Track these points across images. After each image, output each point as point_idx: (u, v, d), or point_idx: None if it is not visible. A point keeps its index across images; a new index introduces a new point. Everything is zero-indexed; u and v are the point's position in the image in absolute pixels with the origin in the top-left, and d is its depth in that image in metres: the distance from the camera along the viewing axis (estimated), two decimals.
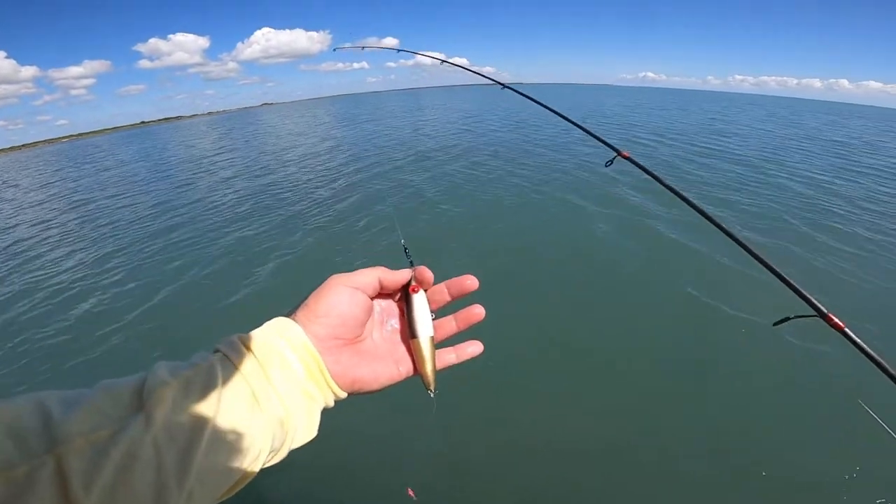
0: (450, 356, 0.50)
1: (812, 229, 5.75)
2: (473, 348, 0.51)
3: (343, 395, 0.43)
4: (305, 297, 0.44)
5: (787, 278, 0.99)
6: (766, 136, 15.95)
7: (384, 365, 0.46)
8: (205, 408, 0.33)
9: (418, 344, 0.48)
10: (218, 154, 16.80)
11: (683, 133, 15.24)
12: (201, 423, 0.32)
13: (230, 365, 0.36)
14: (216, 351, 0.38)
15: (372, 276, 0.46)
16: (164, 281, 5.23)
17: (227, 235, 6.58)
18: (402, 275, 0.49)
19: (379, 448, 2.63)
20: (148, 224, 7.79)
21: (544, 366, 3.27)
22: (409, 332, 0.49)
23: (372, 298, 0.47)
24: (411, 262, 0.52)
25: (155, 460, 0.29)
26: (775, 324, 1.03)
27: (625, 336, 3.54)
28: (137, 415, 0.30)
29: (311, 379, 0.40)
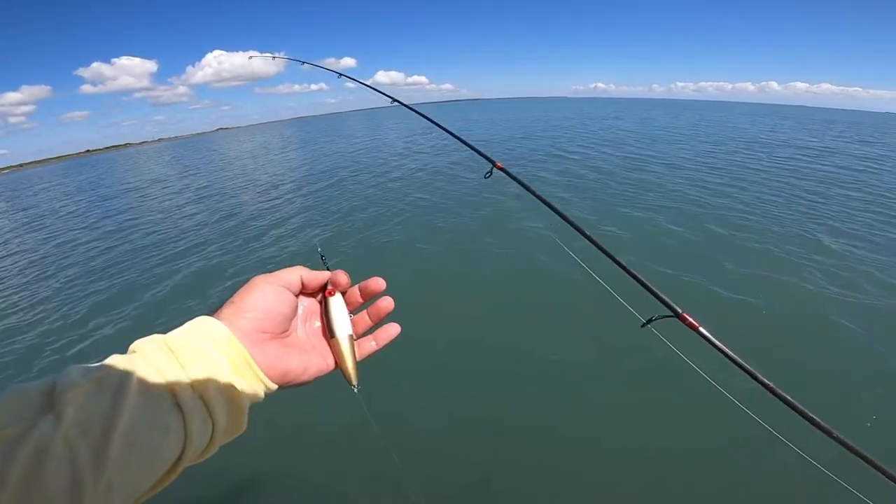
0: (370, 344, 0.53)
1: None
2: (391, 330, 0.54)
3: (273, 387, 0.44)
4: (230, 297, 0.45)
5: (646, 282, 1.01)
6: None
7: (312, 357, 0.48)
8: (118, 404, 0.32)
9: (337, 343, 0.50)
10: (159, 185, 16.11)
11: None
12: (114, 418, 0.31)
13: (145, 364, 0.36)
14: (132, 351, 0.38)
15: (294, 275, 0.49)
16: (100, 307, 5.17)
17: (166, 264, 6.35)
18: (321, 275, 0.52)
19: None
20: (87, 258, 7.40)
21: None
22: (328, 332, 0.51)
23: (296, 295, 0.50)
24: (327, 267, 0.54)
25: (67, 454, 0.29)
26: (643, 325, 1.06)
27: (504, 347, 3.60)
28: (47, 413, 0.30)
29: (238, 373, 0.40)
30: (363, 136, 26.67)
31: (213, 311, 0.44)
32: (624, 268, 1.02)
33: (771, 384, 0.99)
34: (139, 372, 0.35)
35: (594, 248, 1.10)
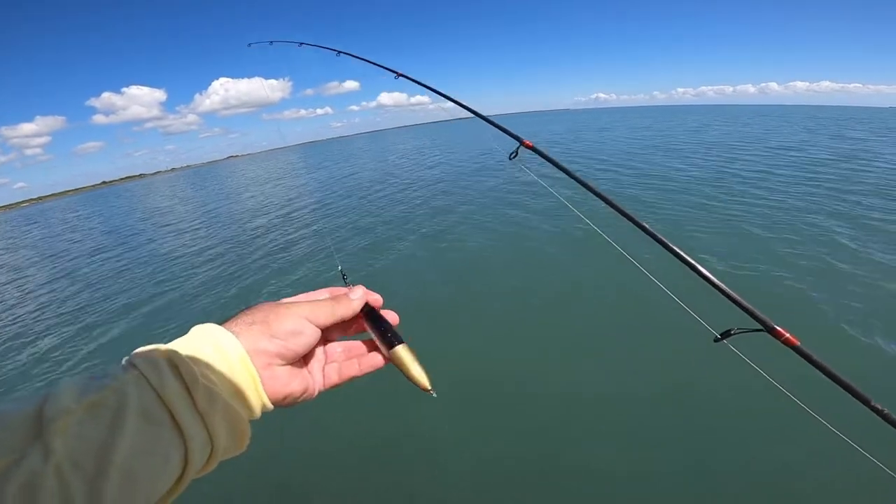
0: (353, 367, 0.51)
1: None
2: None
3: (271, 407, 0.43)
4: (260, 308, 0.43)
5: (726, 288, 0.78)
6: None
7: (309, 381, 0.46)
8: (115, 434, 0.29)
9: (398, 357, 0.48)
10: (170, 217, 16.34)
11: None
12: (111, 450, 0.29)
13: (146, 387, 0.33)
14: (132, 365, 0.34)
15: (332, 318, 0.47)
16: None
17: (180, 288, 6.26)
18: (348, 310, 0.49)
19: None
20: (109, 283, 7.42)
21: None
22: (382, 347, 0.49)
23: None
24: (346, 283, 0.55)
25: (60, 491, 0.26)
26: (716, 339, 0.83)
27: (557, 367, 3.30)
28: (34, 443, 0.27)
29: (244, 397, 0.39)
30: (380, 157, 26.95)
31: (228, 320, 0.42)
32: (693, 267, 0.79)
33: (887, 411, 0.75)
34: (140, 397, 0.32)
35: (647, 242, 0.88)
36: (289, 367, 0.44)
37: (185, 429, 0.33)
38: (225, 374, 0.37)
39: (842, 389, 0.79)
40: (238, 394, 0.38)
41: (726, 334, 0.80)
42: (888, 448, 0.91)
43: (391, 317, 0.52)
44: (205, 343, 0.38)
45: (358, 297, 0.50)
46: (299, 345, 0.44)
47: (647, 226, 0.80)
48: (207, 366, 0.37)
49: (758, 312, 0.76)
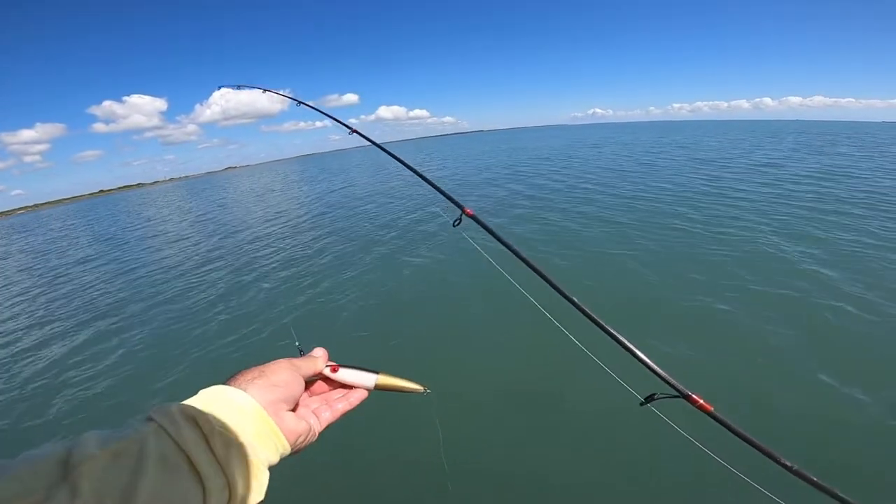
0: (341, 404, 0.58)
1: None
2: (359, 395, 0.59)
3: (289, 450, 0.46)
4: (251, 369, 0.48)
5: (647, 360, 0.85)
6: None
7: (311, 422, 0.52)
8: (136, 478, 0.32)
9: (381, 386, 0.58)
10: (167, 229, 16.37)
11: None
12: (132, 493, 0.31)
13: (164, 436, 0.36)
14: (150, 419, 0.37)
15: (310, 371, 0.55)
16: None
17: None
18: (318, 365, 0.57)
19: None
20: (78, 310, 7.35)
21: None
22: (363, 384, 0.58)
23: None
24: (300, 350, 0.60)
25: None
26: (642, 403, 0.89)
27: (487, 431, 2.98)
28: (61, 485, 0.29)
29: (261, 443, 0.42)
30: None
31: (229, 380, 0.46)
32: (617, 339, 0.86)
33: (796, 468, 0.82)
34: (159, 443, 0.35)
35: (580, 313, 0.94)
36: (291, 412, 0.50)
37: (203, 473, 0.36)
38: (241, 423, 0.41)
39: (756, 450, 0.85)
40: (256, 439, 0.41)
41: (650, 398, 0.87)
42: (808, 500, 0.96)
43: (320, 352, 0.59)
44: (217, 398, 0.42)
45: (319, 355, 0.58)
46: (297, 390, 0.51)
47: (576, 300, 0.87)
48: (223, 416, 0.40)
49: (674, 382, 0.82)
